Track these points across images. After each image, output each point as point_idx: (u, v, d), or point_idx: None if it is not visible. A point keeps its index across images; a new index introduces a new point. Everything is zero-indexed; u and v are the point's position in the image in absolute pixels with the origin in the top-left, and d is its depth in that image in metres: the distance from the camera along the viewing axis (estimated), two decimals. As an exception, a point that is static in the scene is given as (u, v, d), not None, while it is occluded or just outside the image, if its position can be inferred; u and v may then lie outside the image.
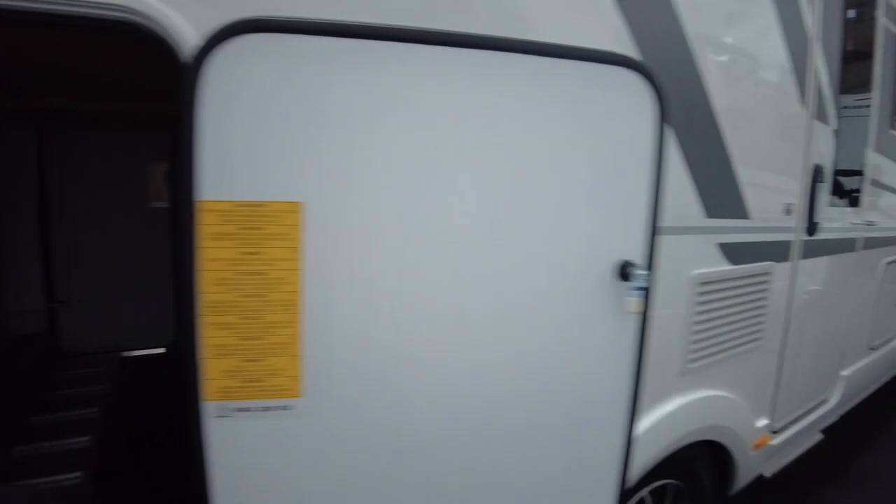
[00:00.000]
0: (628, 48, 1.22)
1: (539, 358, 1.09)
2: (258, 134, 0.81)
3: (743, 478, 1.97)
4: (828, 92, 2.01)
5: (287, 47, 0.80)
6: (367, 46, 0.85)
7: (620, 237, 1.09)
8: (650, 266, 1.11)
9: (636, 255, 1.10)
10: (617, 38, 1.20)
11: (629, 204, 1.09)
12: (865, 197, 2.46)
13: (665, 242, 1.38)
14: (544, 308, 1.06)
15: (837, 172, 2.28)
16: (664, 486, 1.71)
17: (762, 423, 2.00)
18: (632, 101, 1.03)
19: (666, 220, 1.36)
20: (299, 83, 0.82)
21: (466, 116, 0.93)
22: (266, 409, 0.90)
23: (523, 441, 1.13)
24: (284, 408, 0.91)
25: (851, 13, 2.27)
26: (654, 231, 1.12)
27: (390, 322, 0.96)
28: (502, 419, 1.10)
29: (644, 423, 1.46)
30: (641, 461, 1.45)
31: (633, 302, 1.06)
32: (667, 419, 1.51)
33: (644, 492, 1.63)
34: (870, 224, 2.55)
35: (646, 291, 1.06)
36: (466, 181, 0.96)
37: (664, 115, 1.06)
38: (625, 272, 1.06)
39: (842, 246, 2.35)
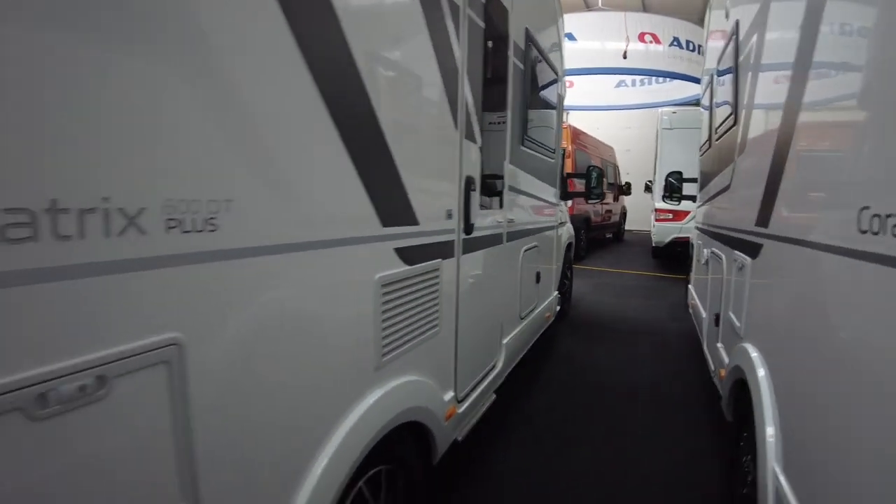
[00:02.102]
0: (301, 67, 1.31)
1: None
2: None
3: (441, 448, 2.28)
4: (474, 115, 2.46)
5: None
6: None
7: None
8: None
9: None
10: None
11: None
12: (506, 200, 3.07)
13: (351, 252, 1.55)
14: None
15: (486, 177, 2.80)
16: (377, 472, 1.88)
17: (449, 396, 2.35)
18: None
19: (350, 232, 1.54)
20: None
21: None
22: None
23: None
24: None
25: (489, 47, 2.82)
26: None
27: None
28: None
29: (350, 420, 1.60)
30: (353, 457, 1.58)
31: None
32: (370, 411, 1.67)
33: (360, 483, 1.77)
34: (510, 221, 3.19)
35: None
36: None
37: None
38: None
39: (493, 240, 2.90)
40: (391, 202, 1.75)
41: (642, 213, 17.57)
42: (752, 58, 2.84)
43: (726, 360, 3.06)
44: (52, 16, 0.80)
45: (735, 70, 3.33)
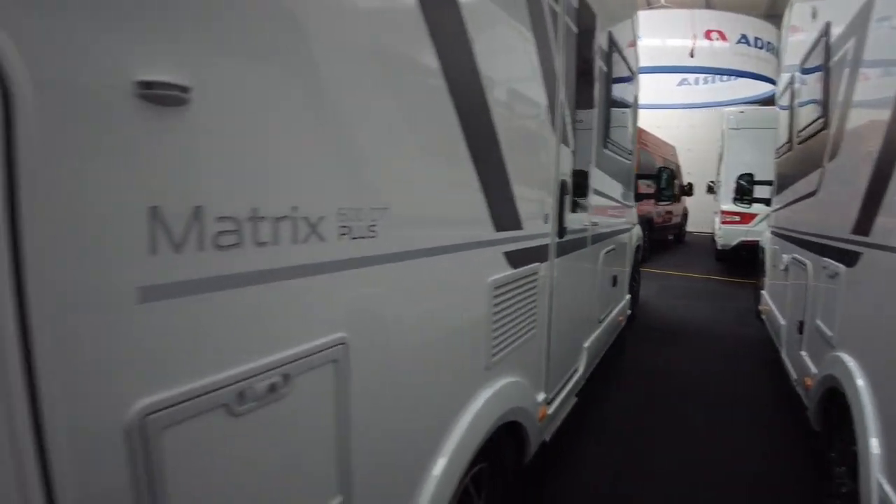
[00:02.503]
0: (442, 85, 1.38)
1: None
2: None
3: (533, 447, 2.31)
4: (568, 119, 2.48)
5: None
6: None
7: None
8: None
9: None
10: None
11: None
12: (591, 203, 3.07)
13: (472, 255, 1.61)
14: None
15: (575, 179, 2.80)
16: (479, 470, 1.93)
17: (541, 397, 2.38)
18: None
19: (473, 236, 1.59)
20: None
21: None
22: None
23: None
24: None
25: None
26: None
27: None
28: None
29: (467, 417, 1.65)
30: (469, 452, 1.63)
31: None
32: (483, 409, 1.72)
33: (466, 480, 1.82)
34: (594, 224, 3.19)
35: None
36: None
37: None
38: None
39: (580, 244, 2.90)
40: (502, 208, 1.80)
41: (703, 215, 17.08)
42: (850, 59, 2.74)
43: (813, 368, 2.97)
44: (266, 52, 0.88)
45: (826, 71, 3.21)
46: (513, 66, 1.84)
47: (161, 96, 0.71)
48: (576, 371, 3.06)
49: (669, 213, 13.88)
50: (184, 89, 0.73)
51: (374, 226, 1.14)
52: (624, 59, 3.93)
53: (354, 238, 1.09)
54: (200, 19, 0.78)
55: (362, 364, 1.16)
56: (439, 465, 1.51)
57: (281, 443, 0.99)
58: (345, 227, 1.06)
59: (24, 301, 0.61)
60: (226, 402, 0.86)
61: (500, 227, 1.77)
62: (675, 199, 14.21)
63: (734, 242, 10.43)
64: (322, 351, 1.04)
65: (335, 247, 1.04)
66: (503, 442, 2.06)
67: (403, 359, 1.34)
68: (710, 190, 13.75)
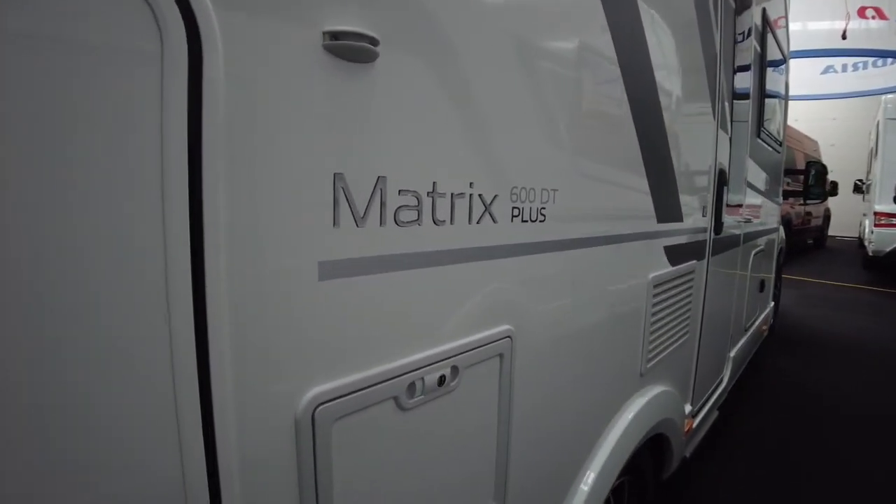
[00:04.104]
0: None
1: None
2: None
3: (675, 463, 2.10)
4: (727, 104, 2.22)
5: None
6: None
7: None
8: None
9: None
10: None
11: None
12: (746, 197, 2.75)
13: (634, 248, 1.44)
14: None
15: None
16: (620, 483, 1.77)
17: (688, 409, 2.15)
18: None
19: (632, 228, 1.43)
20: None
21: None
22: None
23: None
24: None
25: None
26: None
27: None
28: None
29: (621, 424, 1.50)
30: (617, 468, 1.47)
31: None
32: (634, 420, 1.56)
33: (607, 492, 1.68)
34: (747, 221, 2.87)
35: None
36: None
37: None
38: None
39: (733, 242, 2.61)
40: (665, 196, 1.61)
41: (846, 217, 15.43)
42: None
43: None
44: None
45: None
46: (677, 45, 1.64)
47: (350, 48, 0.64)
48: (720, 382, 2.77)
49: (809, 214, 12.61)
50: (373, 41, 0.65)
51: (543, 209, 1.02)
52: (777, 39, 3.51)
53: (525, 221, 0.98)
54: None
55: (525, 361, 1.05)
56: (589, 478, 1.37)
57: (444, 442, 0.90)
58: (517, 208, 0.95)
59: (202, 272, 0.55)
60: (396, 395, 0.78)
61: (662, 217, 1.59)
62: (823, 198, 12.85)
63: (889, 248, 9.25)
64: (490, 343, 0.94)
65: (507, 229, 0.94)
66: (646, 455, 1.89)
67: (562, 359, 1.21)
68: (858, 189, 12.32)
